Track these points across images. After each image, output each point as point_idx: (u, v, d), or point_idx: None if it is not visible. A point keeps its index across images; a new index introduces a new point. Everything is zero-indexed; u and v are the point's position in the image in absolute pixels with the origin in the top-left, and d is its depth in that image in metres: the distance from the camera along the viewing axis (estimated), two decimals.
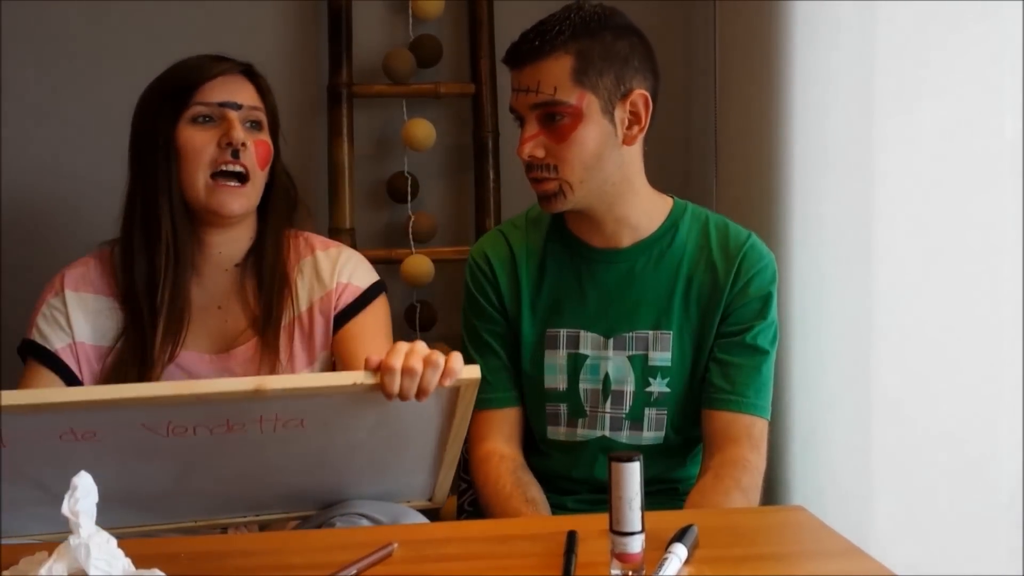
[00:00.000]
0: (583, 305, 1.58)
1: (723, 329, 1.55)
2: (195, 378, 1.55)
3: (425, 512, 1.42)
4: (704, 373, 1.56)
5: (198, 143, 1.53)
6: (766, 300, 1.55)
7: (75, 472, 0.98)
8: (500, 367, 1.61)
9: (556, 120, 1.48)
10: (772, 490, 1.83)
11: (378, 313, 1.64)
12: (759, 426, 1.53)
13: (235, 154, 1.52)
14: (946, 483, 1.40)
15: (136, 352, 1.55)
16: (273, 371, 1.56)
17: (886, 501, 1.53)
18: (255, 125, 1.58)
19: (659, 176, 1.64)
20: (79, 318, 1.56)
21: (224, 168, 1.53)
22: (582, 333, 1.57)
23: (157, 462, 1.24)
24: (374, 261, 1.72)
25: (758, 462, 1.51)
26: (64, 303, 1.57)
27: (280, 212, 1.63)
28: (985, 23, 1.30)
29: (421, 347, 1.21)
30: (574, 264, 1.59)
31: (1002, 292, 1.27)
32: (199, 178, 1.53)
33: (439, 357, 1.20)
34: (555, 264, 1.61)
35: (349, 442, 1.29)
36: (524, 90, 1.49)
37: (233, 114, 1.54)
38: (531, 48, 1.48)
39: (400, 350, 1.20)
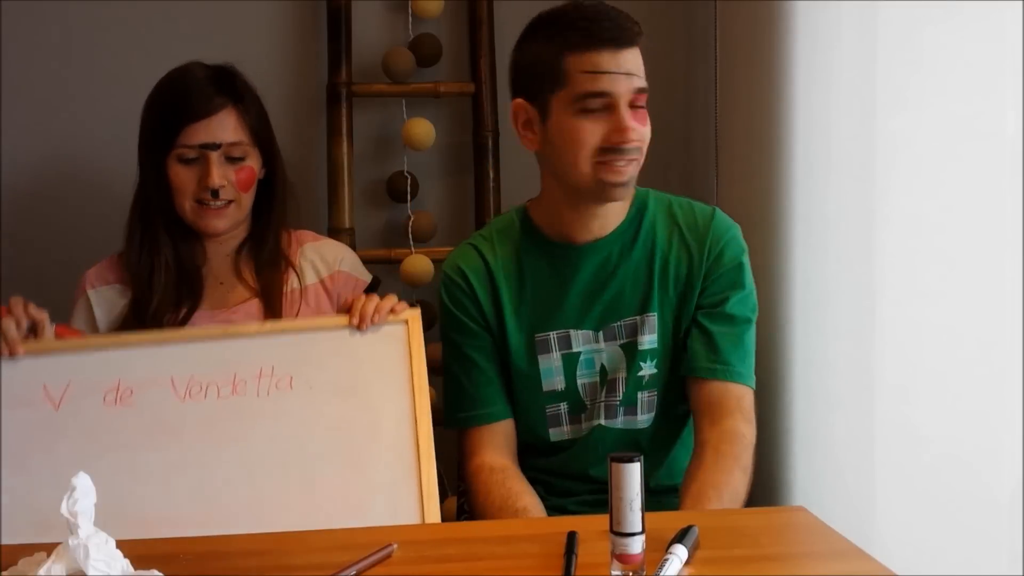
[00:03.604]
0: (568, 304, 1.57)
1: (702, 301, 1.56)
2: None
3: None
4: (685, 341, 1.57)
5: (183, 179, 1.66)
6: (739, 269, 1.58)
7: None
8: (486, 381, 1.60)
9: (640, 106, 1.50)
10: (773, 490, 1.83)
11: None
12: (748, 397, 1.55)
13: (214, 194, 1.65)
14: (947, 483, 1.40)
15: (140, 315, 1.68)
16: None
17: (887, 501, 1.53)
18: (236, 158, 1.67)
19: (659, 176, 1.64)
20: (101, 317, 1.72)
21: (205, 203, 1.66)
22: (572, 332, 1.57)
23: (176, 440, 1.46)
24: (373, 261, 1.74)
25: (752, 436, 1.53)
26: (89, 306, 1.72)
27: (279, 208, 1.75)
28: (985, 23, 1.30)
29: (375, 297, 1.58)
30: (552, 266, 1.59)
31: (1003, 292, 1.27)
32: (186, 206, 1.67)
33: (387, 301, 1.56)
34: (533, 269, 1.60)
35: (328, 412, 1.49)
36: (626, 73, 1.47)
37: (213, 155, 1.65)
38: (630, 33, 1.48)
39: (361, 298, 1.57)
